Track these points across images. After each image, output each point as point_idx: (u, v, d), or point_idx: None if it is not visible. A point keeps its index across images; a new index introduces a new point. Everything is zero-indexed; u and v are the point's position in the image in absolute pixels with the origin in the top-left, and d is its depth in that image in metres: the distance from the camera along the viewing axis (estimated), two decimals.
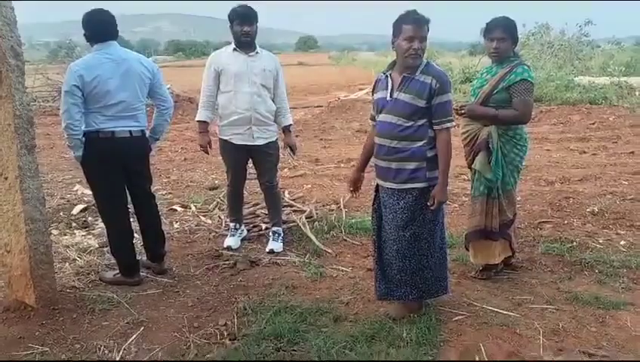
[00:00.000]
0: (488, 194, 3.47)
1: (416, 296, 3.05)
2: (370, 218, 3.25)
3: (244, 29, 3.91)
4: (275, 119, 4.16)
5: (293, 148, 4.32)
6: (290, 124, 4.25)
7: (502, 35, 3.33)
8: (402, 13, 2.83)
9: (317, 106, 14.82)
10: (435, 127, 2.87)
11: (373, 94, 3.10)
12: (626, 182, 5.97)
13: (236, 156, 4.15)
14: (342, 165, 7.43)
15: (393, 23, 2.85)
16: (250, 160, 4.22)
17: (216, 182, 6.41)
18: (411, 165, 2.88)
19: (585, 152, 7.84)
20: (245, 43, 3.96)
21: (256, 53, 4.02)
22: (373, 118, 3.13)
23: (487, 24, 3.42)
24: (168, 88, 4.10)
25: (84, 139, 3.40)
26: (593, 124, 10.13)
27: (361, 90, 19.76)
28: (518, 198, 5.44)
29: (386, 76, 2.96)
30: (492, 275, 3.64)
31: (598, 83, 13.00)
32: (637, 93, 12.32)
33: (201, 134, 4.16)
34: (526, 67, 3.34)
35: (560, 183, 6.05)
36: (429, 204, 2.90)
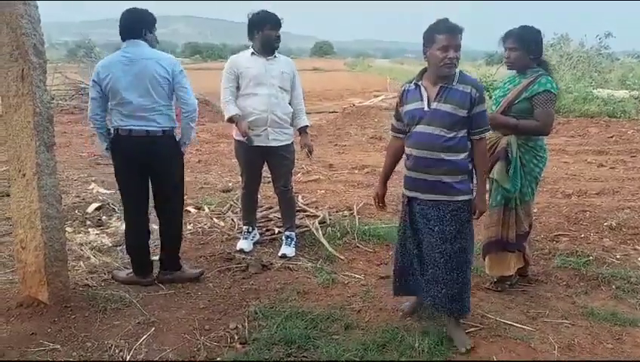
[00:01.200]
0: (506, 204, 3.43)
1: (462, 310, 2.95)
2: (398, 230, 3.11)
3: (277, 33, 3.99)
4: (292, 121, 4.19)
5: (309, 149, 4.32)
6: (307, 125, 4.28)
7: (513, 45, 3.33)
8: (433, 23, 2.76)
9: (332, 112, 14.83)
10: (474, 137, 2.82)
11: (401, 105, 2.93)
12: None
13: (251, 158, 4.15)
14: (356, 171, 7.41)
15: (424, 33, 2.77)
16: (266, 163, 4.22)
17: (230, 184, 6.43)
18: (457, 177, 2.81)
19: (603, 165, 7.73)
20: (275, 47, 4.03)
21: (275, 57, 4.07)
22: (397, 130, 3.02)
23: (504, 33, 3.41)
24: None
25: (108, 134, 3.48)
26: (611, 137, 10.01)
27: (376, 96, 19.77)
28: (534, 210, 5.40)
29: (417, 86, 2.86)
30: (506, 287, 3.59)
31: (617, 96, 12.87)
32: None
33: (239, 123, 3.99)
34: (550, 78, 3.30)
35: (577, 196, 5.97)
36: (473, 215, 2.88)
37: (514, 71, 3.48)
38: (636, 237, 4.61)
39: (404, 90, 2.93)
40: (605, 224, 4.88)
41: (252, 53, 4.05)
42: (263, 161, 4.21)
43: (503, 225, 3.46)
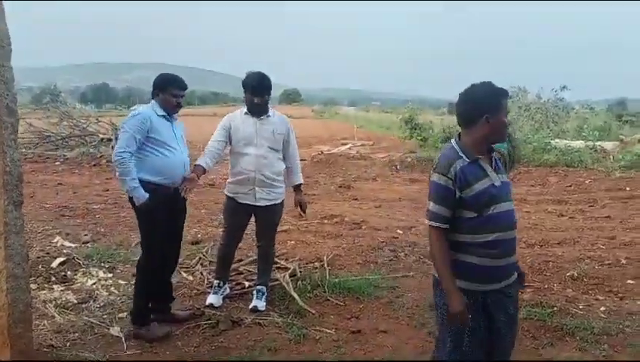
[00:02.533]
0: None
1: None
2: (470, 337, 2.44)
3: (255, 100, 4.01)
4: (286, 178, 4.25)
5: (303, 206, 4.36)
6: (301, 183, 4.34)
7: None
8: (490, 88, 2.44)
9: (300, 160, 14.93)
10: None
11: (460, 190, 2.37)
12: (604, 247, 6.09)
13: (238, 216, 4.21)
14: (326, 221, 7.45)
15: (483, 99, 2.41)
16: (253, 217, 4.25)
17: (199, 236, 6.38)
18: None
19: (563, 215, 8.01)
20: (259, 111, 4.07)
21: (267, 116, 4.11)
22: (447, 220, 2.41)
23: None
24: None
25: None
26: (570, 186, 10.41)
27: (343, 144, 20.09)
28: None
29: (474, 161, 2.40)
30: None
31: (573, 146, 13.43)
32: (611, 157, 12.74)
33: (193, 171, 3.90)
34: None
35: (540, 246, 6.15)
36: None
37: None
38: (597, 287, 4.76)
39: (456, 170, 2.37)
40: (568, 274, 5.04)
41: (245, 113, 4.11)
42: (248, 220, 4.27)
43: None
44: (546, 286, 4.79)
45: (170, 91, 3.72)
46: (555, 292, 4.66)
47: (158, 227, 3.69)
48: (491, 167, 2.45)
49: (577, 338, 3.74)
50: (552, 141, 14.03)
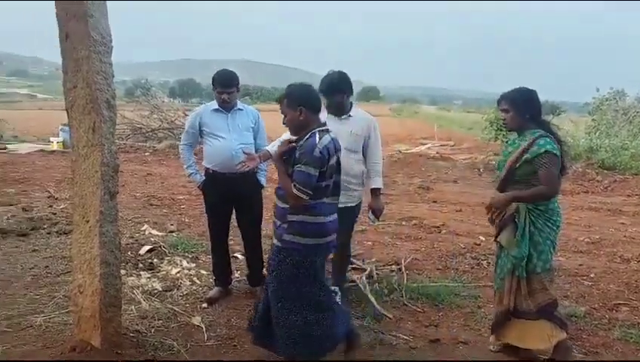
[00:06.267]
0: (513, 272, 3.31)
1: None
2: None
3: (334, 99, 3.91)
4: (365, 181, 4.10)
5: (376, 212, 4.18)
6: (378, 188, 4.14)
7: (505, 107, 3.35)
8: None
9: None
10: None
11: None
12: None
13: None
14: (403, 223, 7.31)
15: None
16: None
17: None
18: None
19: None
20: (334, 113, 3.95)
21: (349, 116, 4.00)
22: None
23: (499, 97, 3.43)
24: None
25: None
26: None
27: (422, 144, 19.70)
28: (591, 275, 5.18)
29: None
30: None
31: None
32: None
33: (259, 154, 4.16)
34: (549, 139, 3.22)
35: (637, 261, 5.69)
36: None
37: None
38: None
39: None
40: None
41: (328, 114, 4.01)
42: None
43: (514, 294, 3.32)
44: None
45: (215, 89, 4.08)
46: None
47: (211, 209, 4.25)
48: None
49: None
50: None
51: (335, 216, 3.12)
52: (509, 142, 3.50)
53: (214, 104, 4.16)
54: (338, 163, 3.11)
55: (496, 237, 3.42)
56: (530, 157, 3.19)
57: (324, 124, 3.13)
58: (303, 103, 3.01)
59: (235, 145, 4.04)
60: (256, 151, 4.05)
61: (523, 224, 3.24)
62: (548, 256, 3.27)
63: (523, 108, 3.30)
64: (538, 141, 3.21)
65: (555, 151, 3.18)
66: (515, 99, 3.33)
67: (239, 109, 4.20)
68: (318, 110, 3.11)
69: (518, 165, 3.24)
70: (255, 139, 4.25)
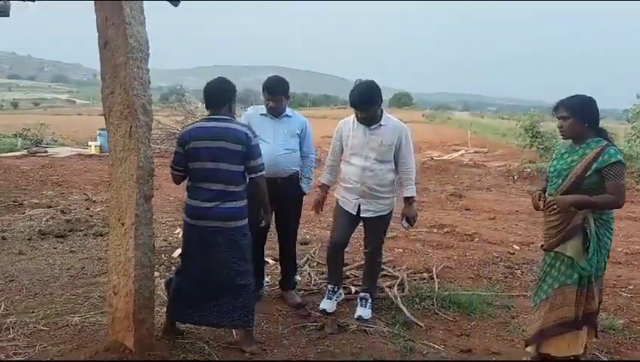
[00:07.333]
0: (579, 283, 3.21)
1: None
2: None
3: (362, 114, 3.93)
4: (397, 188, 4.12)
5: (410, 220, 4.16)
6: (411, 197, 4.11)
7: (563, 114, 3.24)
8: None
9: None
10: None
11: None
12: None
13: (343, 218, 4.18)
14: (435, 230, 7.24)
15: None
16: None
17: (308, 236, 6.47)
18: None
19: None
20: (365, 124, 3.96)
21: (379, 126, 3.97)
22: None
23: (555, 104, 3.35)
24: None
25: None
26: None
27: (455, 151, 19.49)
28: (630, 287, 5.03)
29: None
30: None
31: None
32: None
33: (318, 193, 4.41)
34: (617, 149, 3.14)
35: None
36: None
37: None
38: None
39: None
40: None
41: (356, 122, 4.04)
42: (354, 226, 4.24)
43: (577, 305, 3.23)
44: None
45: (264, 95, 4.20)
46: None
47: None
48: None
49: None
50: None
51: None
52: (564, 150, 3.37)
53: (263, 108, 4.25)
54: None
55: (553, 246, 3.26)
56: (600, 166, 3.11)
57: None
58: None
59: (279, 150, 4.12)
60: (301, 157, 4.27)
61: (595, 235, 3.14)
62: (601, 265, 3.21)
63: (582, 116, 3.21)
64: (608, 150, 3.11)
65: (624, 162, 3.12)
66: (574, 106, 3.23)
67: (287, 116, 4.26)
68: None
69: (588, 173, 3.14)
70: (301, 146, 4.30)
